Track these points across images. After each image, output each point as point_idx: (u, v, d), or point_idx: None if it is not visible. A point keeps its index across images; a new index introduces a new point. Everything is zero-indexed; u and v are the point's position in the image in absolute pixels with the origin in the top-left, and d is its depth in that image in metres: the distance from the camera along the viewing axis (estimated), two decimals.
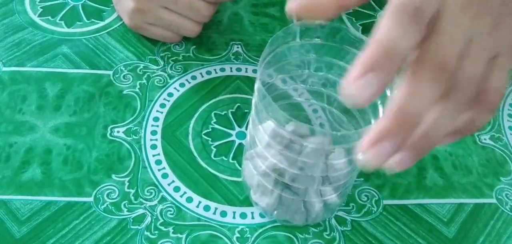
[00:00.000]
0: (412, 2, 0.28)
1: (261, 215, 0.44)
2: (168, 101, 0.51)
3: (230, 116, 0.51)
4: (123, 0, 0.53)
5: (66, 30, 0.56)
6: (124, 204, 0.44)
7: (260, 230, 0.43)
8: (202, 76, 0.53)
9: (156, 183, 0.45)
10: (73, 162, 0.46)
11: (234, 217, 0.44)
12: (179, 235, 0.42)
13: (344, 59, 0.42)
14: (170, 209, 0.44)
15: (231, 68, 0.54)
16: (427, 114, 0.30)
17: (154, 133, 0.48)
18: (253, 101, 0.39)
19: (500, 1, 0.30)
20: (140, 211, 0.43)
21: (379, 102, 0.40)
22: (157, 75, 0.53)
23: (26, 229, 0.42)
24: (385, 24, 0.29)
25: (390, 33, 0.28)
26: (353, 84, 0.28)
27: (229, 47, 0.56)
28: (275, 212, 0.42)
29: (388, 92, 0.38)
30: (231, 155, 0.48)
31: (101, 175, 0.45)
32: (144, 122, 0.49)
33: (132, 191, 0.44)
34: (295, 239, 0.43)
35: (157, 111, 0.50)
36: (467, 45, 0.29)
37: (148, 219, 0.43)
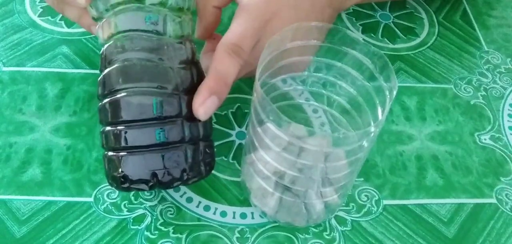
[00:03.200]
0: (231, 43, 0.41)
1: (261, 215, 0.44)
2: None
3: (230, 116, 0.51)
4: None
5: (66, 30, 0.56)
6: (124, 204, 0.44)
7: (260, 230, 0.43)
8: None
9: None
10: (73, 162, 0.46)
11: (234, 217, 0.44)
12: (179, 235, 0.42)
13: (343, 60, 0.41)
14: (170, 209, 0.44)
15: None
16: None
17: None
18: (252, 103, 0.39)
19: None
20: (140, 211, 0.43)
21: (377, 102, 0.39)
22: None
23: (26, 229, 0.42)
24: (218, 58, 0.41)
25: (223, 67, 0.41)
26: (201, 106, 0.39)
27: None
28: (277, 214, 0.42)
29: (387, 93, 0.38)
30: (231, 155, 0.48)
31: (101, 175, 0.45)
32: None
33: None
34: (295, 239, 0.43)
35: None
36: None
37: (148, 219, 0.43)
